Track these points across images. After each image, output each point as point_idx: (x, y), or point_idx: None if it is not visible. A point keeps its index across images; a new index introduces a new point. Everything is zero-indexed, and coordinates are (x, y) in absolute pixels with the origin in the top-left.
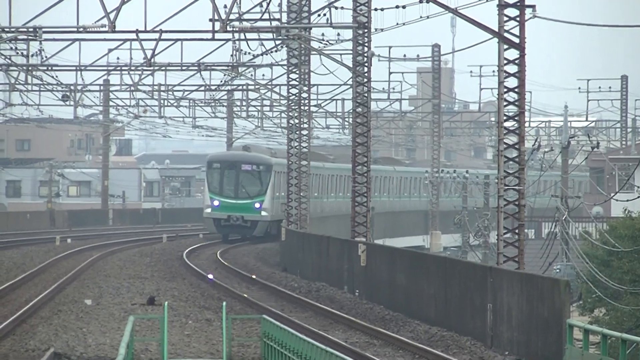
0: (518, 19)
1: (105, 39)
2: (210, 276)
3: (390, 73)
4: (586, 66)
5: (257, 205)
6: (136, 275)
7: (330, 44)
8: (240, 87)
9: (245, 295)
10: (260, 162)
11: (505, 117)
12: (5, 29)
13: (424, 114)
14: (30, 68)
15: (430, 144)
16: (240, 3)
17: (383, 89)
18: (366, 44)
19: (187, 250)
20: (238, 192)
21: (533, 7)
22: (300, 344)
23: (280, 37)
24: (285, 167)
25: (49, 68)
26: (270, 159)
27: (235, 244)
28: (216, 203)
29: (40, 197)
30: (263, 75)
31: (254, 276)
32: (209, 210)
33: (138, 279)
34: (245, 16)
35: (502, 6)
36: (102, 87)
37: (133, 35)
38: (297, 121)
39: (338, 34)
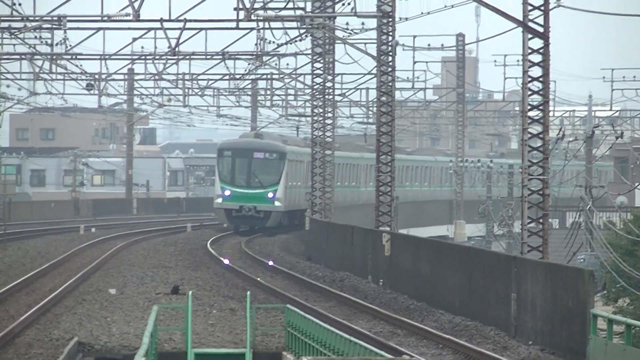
0: (542, 8)
1: (129, 28)
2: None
3: (414, 62)
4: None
5: (270, 195)
6: (160, 264)
7: (354, 33)
8: (264, 76)
9: (259, 279)
10: (274, 150)
11: (529, 107)
12: (30, 18)
13: (448, 103)
14: (54, 57)
15: (455, 133)
16: None
17: (407, 78)
18: (390, 33)
19: (211, 240)
20: (250, 181)
21: None
22: (324, 334)
23: (304, 26)
24: (299, 154)
25: (74, 57)
26: (283, 147)
27: (255, 234)
28: (227, 193)
29: (65, 186)
30: (287, 64)
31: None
32: (219, 200)
33: (162, 268)
34: (270, 5)
35: None
36: (126, 76)
37: (157, 24)
38: (321, 110)
39: (362, 23)
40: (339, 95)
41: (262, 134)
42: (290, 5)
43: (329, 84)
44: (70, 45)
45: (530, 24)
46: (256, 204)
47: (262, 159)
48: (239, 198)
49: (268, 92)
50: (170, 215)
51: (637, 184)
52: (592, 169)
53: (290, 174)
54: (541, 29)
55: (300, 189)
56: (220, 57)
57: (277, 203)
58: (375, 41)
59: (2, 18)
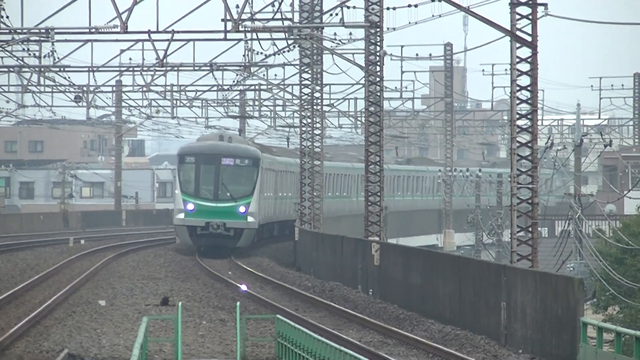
0: (530, 17)
1: (117, 40)
2: (244, 287)
3: (402, 72)
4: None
5: (242, 209)
6: (150, 276)
7: (342, 43)
8: (252, 87)
9: (230, 273)
10: (246, 155)
11: (517, 116)
12: (17, 30)
13: (437, 112)
14: (42, 69)
15: (443, 142)
16: (252, 3)
17: (395, 88)
18: (378, 43)
19: (200, 251)
20: (218, 193)
21: (545, 5)
22: (315, 344)
23: (292, 37)
24: (272, 162)
25: (61, 69)
26: (256, 151)
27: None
28: (190, 207)
29: (54, 198)
30: (275, 75)
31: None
32: (181, 216)
33: (152, 280)
34: (257, 16)
35: (514, 4)
36: (114, 88)
37: (145, 36)
38: (309, 121)
39: (350, 34)
40: (327, 105)
41: (230, 136)
42: (278, 16)
43: (317, 95)
44: (58, 58)
45: (518, 33)
46: (225, 220)
47: (232, 167)
48: (205, 213)
49: (256, 103)
50: (160, 227)
51: (625, 192)
52: (580, 178)
53: (264, 184)
54: (529, 38)
55: (279, 199)
56: (208, 68)
57: (250, 219)
58: (363, 51)
59: None
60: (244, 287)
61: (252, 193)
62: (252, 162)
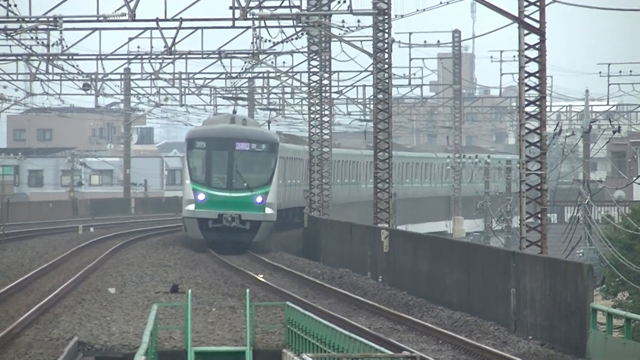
0: (538, 3)
1: (125, 28)
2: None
3: (410, 59)
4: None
5: (258, 199)
6: (159, 263)
7: (350, 30)
8: (261, 75)
9: (261, 278)
10: (262, 139)
11: (526, 102)
12: (26, 19)
13: (445, 99)
14: (51, 57)
15: (452, 129)
16: None
17: (404, 75)
18: (386, 31)
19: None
20: (232, 182)
21: None
22: (324, 330)
23: (300, 24)
24: (282, 149)
25: (70, 57)
26: (274, 135)
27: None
28: (201, 197)
29: (63, 187)
30: (284, 62)
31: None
32: (191, 207)
33: (161, 267)
34: (265, 3)
35: None
36: (122, 76)
37: (153, 24)
38: (318, 108)
39: (358, 21)
40: (335, 93)
41: (244, 118)
42: (286, 3)
43: (325, 82)
44: (67, 46)
45: (526, 19)
46: (240, 212)
47: (248, 152)
48: (217, 204)
49: (265, 91)
50: (169, 214)
51: (634, 178)
52: (589, 164)
53: (281, 171)
54: (537, 25)
55: (288, 187)
56: (217, 56)
57: (268, 210)
58: (371, 38)
59: None
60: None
61: (270, 182)
62: (269, 147)
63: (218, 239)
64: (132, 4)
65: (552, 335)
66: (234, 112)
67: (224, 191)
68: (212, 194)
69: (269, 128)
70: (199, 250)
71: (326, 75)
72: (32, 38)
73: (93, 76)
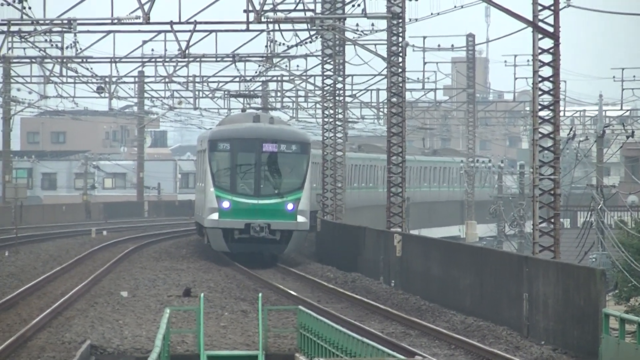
0: (552, 8)
1: (139, 31)
2: None
3: (424, 63)
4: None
5: (290, 206)
6: (172, 267)
7: (364, 34)
8: (274, 78)
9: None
10: (293, 139)
11: (540, 107)
12: (40, 22)
13: (459, 103)
14: (65, 60)
15: (465, 133)
16: None
17: (418, 79)
18: (400, 34)
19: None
20: (260, 188)
21: None
22: (336, 335)
23: (314, 28)
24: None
25: (84, 60)
26: (305, 135)
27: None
28: (226, 205)
29: (76, 190)
30: (297, 66)
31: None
32: (214, 216)
33: (174, 271)
34: (280, 7)
35: None
36: (136, 79)
37: (167, 27)
38: (331, 112)
39: (372, 24)
40: (349, 96)
41: (271, 116)
42: (300, 7)
43: (339, 86)
44: (81, 49)
45: (540, 24)
46: (269, 221)
47: (277, 154)
48: (244, 212)
49: (278, 94)
50: (182, 218)
51: None
52: (602, 169)
53: (312, 175)
54: (551, 29)
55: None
56: (231, 59)
57: (300, 218)
58: (385, 42)
59: (12, 22)
60: None
61: (302, 186)
62: (301, 148)
63: (245, 251)
64: (146, 7)
65: (564, 340)
66: (243, 110)
67: (251, 198)
68: (238, 201)
69: None
70: (212, 254)
71: (340, 78)
72: (46, 40)
73: (107, 79)
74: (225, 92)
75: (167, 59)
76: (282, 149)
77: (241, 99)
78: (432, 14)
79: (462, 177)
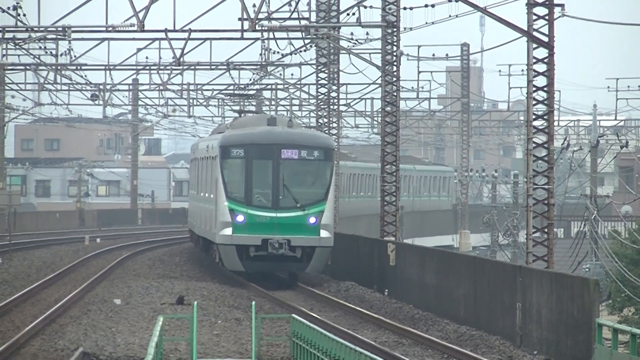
0: (547, 17)
1: (134, 39)
2: None
3: (419, 72)
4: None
5: (312, 220)
6: (165, 274)
7: (359, 43)
8: (269, 87)
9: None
10: (315, 144)
11: (534, 116)
12: (34, 29)
13: (453, 113)
14: (59, 67)
15: (459, 143)
16: (269, 2)
17: (412, 88)
18: (395, 43)
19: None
20: (279, 199)
21: (562, 5)
22: (330, 344)
23: (309, 36)
24: None
25: (78, 67)
26: (329, 139)
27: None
28: (240, 218)
29: (70, 197)
30: (292, 74)
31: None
32: (227, 231)
33: (167, 279)
34: (274, 15)
35: (531, 5)
36: (131, 87)
37: (162, 35)
38: (326, 120)
39: (367, 33)
40: (343, 105)
41: (290, 118)
42: (295, 15)
43: (333, 94)
44: (75, 56)
45: (534, 33)
46: (289, 236)
47: (297, 161)
48: (261, 227)
49: (273, 103)
50: (176, 226)
51: None
52: (596, 179)
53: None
54: (546, 39)
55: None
56: (225, 67)
57: (324, 233)
58: (379, 51)
59: (6, 29)
60: None
61: (326, 197)
62: (324, 154)
63: (261, 270)
64: (141, 15)
65: (557, 350)
66: (240, 114)
67: (268, 211)
68: (254, 214)
69: None
70: (206, 262)
71: (334, 87)
72: (40, 48)
73: (101, 86)
74: (220, 92)
75: (161, 67)
76: (303, 155)
77: (236, 108)
78: (426, 23)
79: (436, 185)
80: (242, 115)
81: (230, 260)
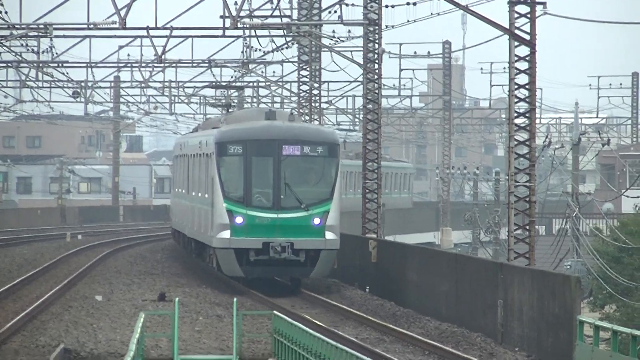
0: (529, 15)
1: (115, 36)
2: None
3: (400, 70)
4: (597, 63)
5: (316, 221)
6: (147, 271)
7: (340, 40)
8: (250, 84)
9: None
10: (319, 140)
11: (515, 114)
12: (16, 26)
13: (435, 110)
14: (40, 65)
15: (441, 140)
16: (250, 0)
17: (394, 85)
18: (377, 41)
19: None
20: (281, 199)
21: (544, 4)
22: (311, 340)
23: (290, 34)
24: None
25: (60, 65)
26: (333, 134)
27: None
28: (239, 220)
29: (51, 194)
30: (274, 72)
31: None
32: (225, 234)
33: (149, 275)
34: (256, 13)
35: (512, 3)
36: (112, 84)
37: (144, 32)
38: (307, 118)
39: (349, 31)
40: (325, 102)
41: (292, 111)
42: (277, 13)
43: (315, 92)
44: (57, 53)
45: (516, 31)
46: (292, 239)
47: (299, 158)
48: (261, 229)
49: (254, 100)
50: (157, 223)
51: (623, 191)
52: (578, 176)
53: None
54: (528, 37)
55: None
56: (207, 64)
57: (329, 235)
58: (361, 49)
59: None
60: None
61: (331, 197)
62: (328, 150)
63: (262, 275)
64: (122, 12)
65: (539, 347)
66: (227, 109)
67: (269, 211)
68: (254, 215)
69: None
70: (187, 259)
71: (316, 85)
72: (22, 45)
73: (83, 84)
74: (202, 97)
75: (143, 64)
76: (306, 151)
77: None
78: (408, 21)
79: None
80: (231, 109)
81: (228, 266)
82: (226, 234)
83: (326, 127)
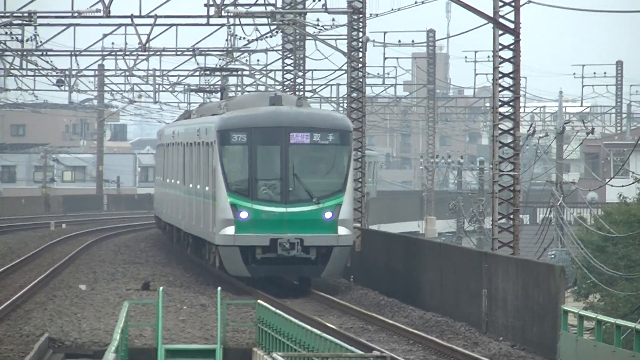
0: (513, 4)
1: (100, 24)
2: None
3: (385, 58)
4: (581, 52)
5: (327, 215)
6: (131, 260)
7: (325, 29)
8: (235, 73)
9: None
10: (330, 126)
11: (500, 103)
12: (0, 14)
13: (419, 99)
14: (25, 53)
15: (425, 129)
16: None
17: (378, 74)
18: (361, 29)
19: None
20: (289, 191)
21: None
22: (295, 330)
23: (275, 23)
24: None
25: (44, 53)
26: (346, 121)
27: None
28: (244, 215)
29: (35, 182)
30: (258, 60)
31: None
32: (229, 230)
33: (133, 264)
34: (240, 1)
35: None
36: (96, 72)
37: (128, 20)
38: None
39: (333, 19)
40: (309, 91)
41: (299, 97)
42: (261, 1)
43: (299, 80)
44: (41, 42)
45: (501, 20)
46: (302, 235)
47: (310, 146)
48: (268, 224)
49: (238, 89)
50: (141, 211)
51: (607, 180)
52: (562, 165)
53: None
54: (512, 25)
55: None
56: (191, 53)
57: (342, 230)
58: (345, 37)
59: None
60: None
61: (344, 188)
62: (340, 138)
63: (270, 275)
64: (107, 1)
65: (523, 337)
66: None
67: (276, 205)
68: (260, 209)
69: None
70: (172, 248)
71: (300, 73)
72: (6, 33)
73: (67, 72)
74: (186, 86)
75: (127, 53)
76: (316, 139)
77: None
78: (392, 9)
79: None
80: (225, 95)
81: (233, 265)
82: (230, 230)
83: (338, 113)
